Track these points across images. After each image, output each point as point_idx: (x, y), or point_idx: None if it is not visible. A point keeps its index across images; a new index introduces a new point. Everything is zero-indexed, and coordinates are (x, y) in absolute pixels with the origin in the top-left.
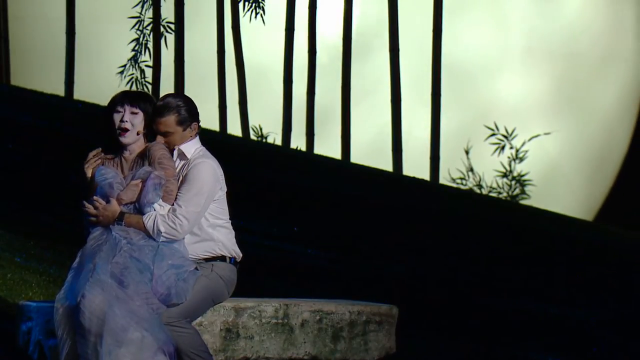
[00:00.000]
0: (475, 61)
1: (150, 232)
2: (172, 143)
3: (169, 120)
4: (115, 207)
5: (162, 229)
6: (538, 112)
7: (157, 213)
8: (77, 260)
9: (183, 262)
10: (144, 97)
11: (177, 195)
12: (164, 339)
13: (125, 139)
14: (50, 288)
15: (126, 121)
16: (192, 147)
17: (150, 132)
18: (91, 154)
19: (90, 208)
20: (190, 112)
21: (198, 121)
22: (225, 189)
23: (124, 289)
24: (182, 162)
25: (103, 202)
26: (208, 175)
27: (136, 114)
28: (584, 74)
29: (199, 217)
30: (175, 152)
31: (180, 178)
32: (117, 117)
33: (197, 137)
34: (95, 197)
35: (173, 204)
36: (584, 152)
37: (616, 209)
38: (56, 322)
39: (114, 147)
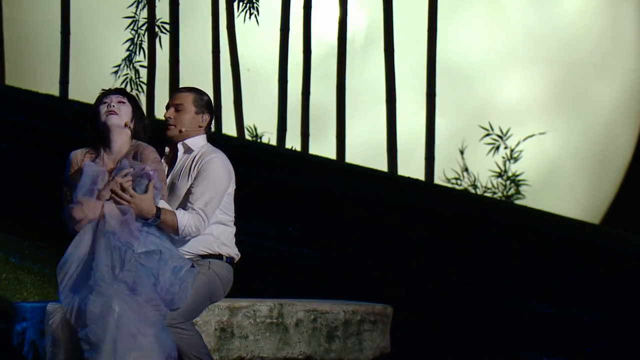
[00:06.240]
0: (470, 61)
1: (181, 230)
2: (179, 121)
3: (188, 97)
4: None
5: (193, 229)
6: (533, 112)
7: (189, 213)
8: (68, 263)
9: (181, 262)
10: (130, 94)
11: (193, 190)
12: (171, 345)
13: (114, 120)
14: (45, 288)
15: (113, 106)
16: (200, 141)
17: (137, 130)
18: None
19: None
20: (208, 104)
21: (211, 116)
22: (234, 186)
23: (136, 296)
24: (187, 155)
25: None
26: (223, 171)
27: (123, 102)
28: (581, 75)
29: (214, 212)
30: (181, 147)
31: (190, 172)
32: (103, 108)
33: (205, 135)
34: (79, 198)
35: (189, 201)
36: (581, 153)
37: (622, 212)
38: (47, 326)
39: (100, 143)
